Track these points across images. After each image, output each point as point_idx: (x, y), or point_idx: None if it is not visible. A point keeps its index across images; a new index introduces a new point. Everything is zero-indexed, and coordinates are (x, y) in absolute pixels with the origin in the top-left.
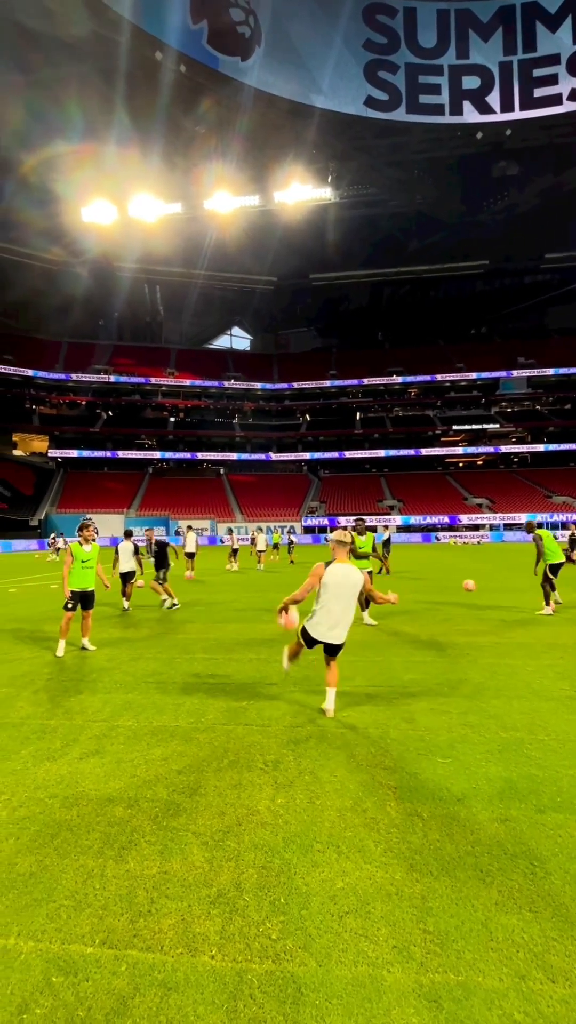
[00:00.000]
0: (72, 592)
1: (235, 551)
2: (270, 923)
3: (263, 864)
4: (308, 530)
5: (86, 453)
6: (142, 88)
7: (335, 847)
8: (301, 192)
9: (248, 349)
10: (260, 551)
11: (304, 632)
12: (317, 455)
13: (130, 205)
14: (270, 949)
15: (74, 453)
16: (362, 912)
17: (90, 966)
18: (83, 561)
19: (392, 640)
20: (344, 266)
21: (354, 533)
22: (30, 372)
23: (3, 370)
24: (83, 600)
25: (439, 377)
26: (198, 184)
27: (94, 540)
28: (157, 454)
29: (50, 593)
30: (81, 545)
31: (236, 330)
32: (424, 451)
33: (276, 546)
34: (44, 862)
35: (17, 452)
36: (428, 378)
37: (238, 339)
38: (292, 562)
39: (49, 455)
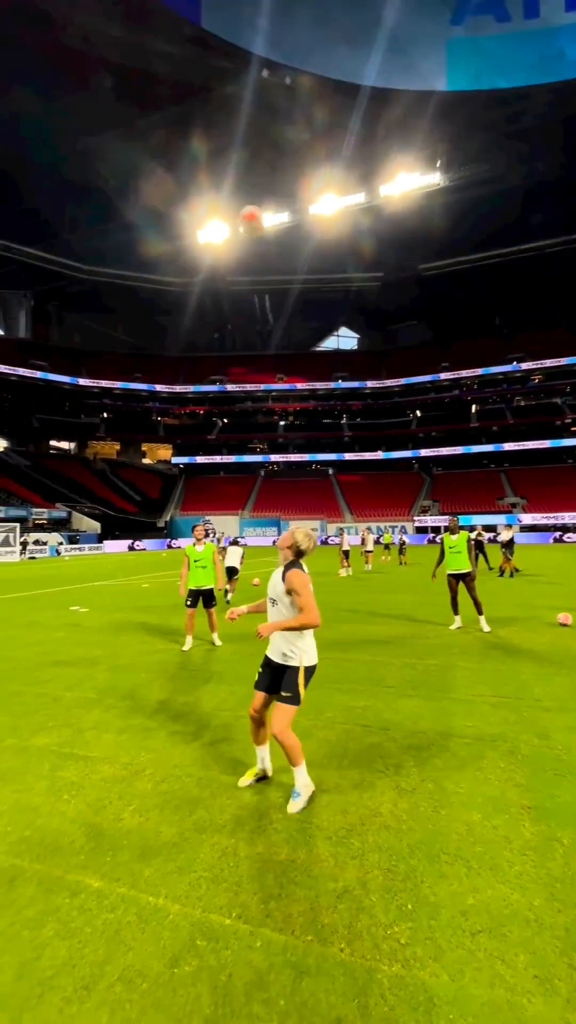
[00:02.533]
0: (189, 591)
1: (346, 553)
2: (398, 927)
3: (388, 867)
4: (420, 530)
5: (204, 459)
6: (258, 111)
7: (464, 861)
8: (408, 182)
9: (355, 348)
10: (368, 551)
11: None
12: (429, 452)
13: (239, 222)
14: (399, 953)
15: (193, 459)
16: (497, 934)
17: (229, 937)
18: (195, 560)
19: (519, 649)
20: (456, 252)
21: (446, 533)
22: (155, 387)
23: (134, 387)
24: (202, 598)
25: (568, 360)
26: (304, 191)
27: (204, 540)
28: (268, 457)
29: (176, 588)
30: (194, 546)
31: (343, 330)
32: (551, 443)
33: (387, 547)
34: (184, 834)
35: (146, 460)
36: (555, 362)
37: (345, 339)
38: (403, 563)
39: (172, 462)
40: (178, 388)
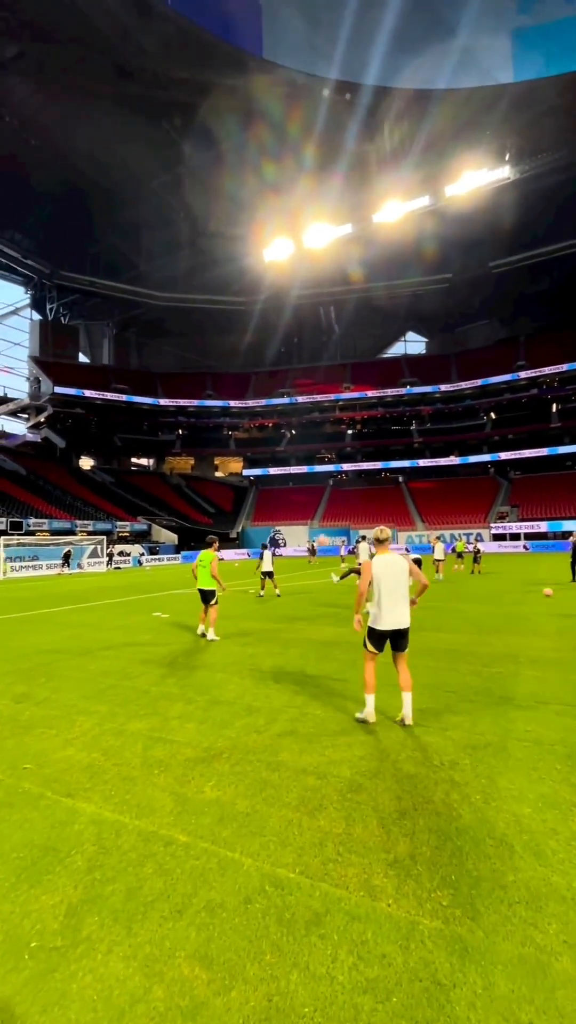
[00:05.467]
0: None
1: (417, 562)
2: (441, 892)
3: (436, 845)
4: (497, 537)
5: (273, 470)
6: (325, 130)
7: (508, 846)
8: (475, 179)
9: (423, 352)
10: (439, 560)
11: (371, 633)
12: (508, 455)
13: (304, 236)
14: (440, 912)
15: (264, 471)
16: (533, 906)
17: (292, 886)
18: (200, 564)
19: None
20: (529, 245)
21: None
22: (227, 403)
23: (206, 404)
24: (202, 595)
25: None
26: (367, 201)
27: (212, 550)
28: (338, 467)
29: (248, 597)
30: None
31: (410, 335)
32: None
33: (460, 555)
34: (256, 807)
35: (218, 474)
36: None
37: (412, 344)
38: (475, 572)
39: (243, 474)
40: (248, 402)
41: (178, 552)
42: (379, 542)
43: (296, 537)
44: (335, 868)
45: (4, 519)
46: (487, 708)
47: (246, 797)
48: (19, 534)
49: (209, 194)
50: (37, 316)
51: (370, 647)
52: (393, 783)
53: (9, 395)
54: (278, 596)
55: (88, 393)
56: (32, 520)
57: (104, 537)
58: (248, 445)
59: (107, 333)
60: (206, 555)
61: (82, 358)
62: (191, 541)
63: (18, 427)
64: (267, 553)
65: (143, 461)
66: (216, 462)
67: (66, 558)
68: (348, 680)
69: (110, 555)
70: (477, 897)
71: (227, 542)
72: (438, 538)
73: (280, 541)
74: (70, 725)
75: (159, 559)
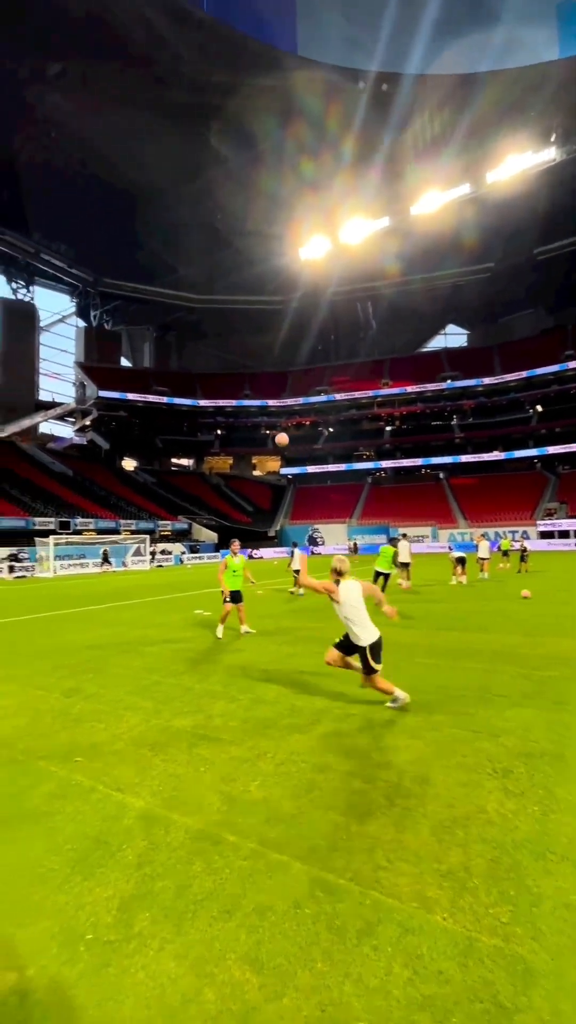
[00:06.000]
0: (229, 591)
1: (462, 560)
2: (499, 908)
3: (492, 858)
4: (545, 535)
5: (311, 469)
6: (361, 119)
7: (572, 862)
8: (518, 163)
9: (465, 345)
10: (483, 559)
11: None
12: (557, 449)
13: (340, 233)
14: (499, 930)
15: (303, 470)
16: None
17: (343, 893)
18: (233, 571)
19: None
20: None
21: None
22: (264, 402)
23: (245, 404)
24: (234, 597)
25: None
26: (405, 193)
27: (239, 554)
28: (377, 464)
29: (283, 596)
30: (232, 557)
31: (450, 327)
32: None
33: (506, 553)
34: (302, 808)
35: (256, 473)
36: None
37: (453, 336)
38: (522, 571)
39: (281, 473)
40: (286, 401)
41: (217, 550)
42: (339, 573)
43: (334, 536)
44: (386, 876)
45: (53, 519)
46: (540, 713)
47: (292, 798)
48: (67, 533)
49: (247, 194)
50: (82, 323)
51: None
52: (443, 790)
53: (57, 400)
54: (301, 594)
55: (130, 396)
56: (79, 519)
57: (147, 536)
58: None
59: (148, 337)
60: (238, 564)
61: (124, 362)
62: (230, 539)
63: (66, 430)
64: (297, 551)
65: (183, 461)
66: (254, 461)
67: (105, 556)
68: (391, 679)
69: (152, 553)
70: (539, 916)
71: (266, 540)
72: (483, 536)
73: (318, 540)
74: (118, 720)
75: (199, 557)
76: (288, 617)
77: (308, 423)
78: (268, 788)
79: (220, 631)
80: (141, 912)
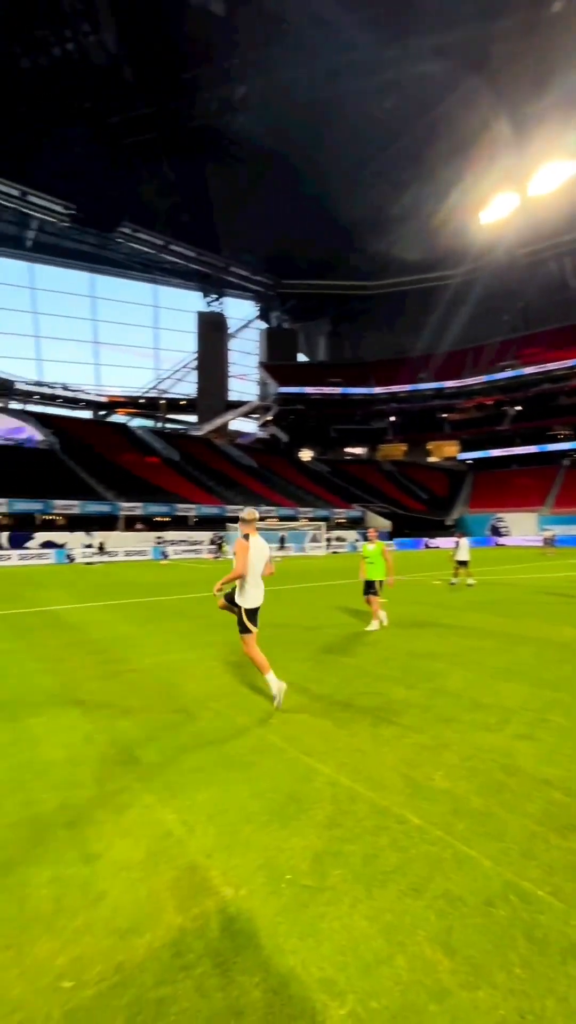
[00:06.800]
0: (365, 581)
1: None
2: None
3: None
4: None
5: (494, 452)
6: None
7: None
8: None
9: None
10: None
11: (249, 613)
12: None
13: (530, 184)
14: None
15: (481, 454)
16: None
17: (543, 906)
18: (365, 557)
19: None
20: None
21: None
22: (441, 384)
23: (420, 388)
24: (369, 586)
25: None
26: None
27: (376, 540)
28: (573, 444)
29: (460, 587)
30: (367, 545)
31: None
32: None
33: None
34: (491, 809)
35: (431, 459)
36: None
37: None
38: None
39: (459, 458)
40: (466, 381)
41: (391, 539)
42: (245, 523)
43: (521, 526)
44: None
45: (242, 507)
46: None
47: (480, 795)
48: None
49: (421, 168)
50: (264, 325)
51: (251, 626)
52: None
53: (244, 399)
54: (452, 583)
55: (307, 389)
56: (263, 507)
57: (323, 523)
58: (464, 427)
59: (322, 330)
60: (373, 551)
61: (301, 357)
62: (404, 528)
63: (251, 426)
64: (463, 541)
65: (356, 450)
66: (429, 447)
67: (282, 541)
68: None
69: (328, 540)
70: None
71: (442, 529)
72: None
73: (502, 530)
74: (301, 692)
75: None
76: (468, 610)
77: (490, 403)
78: (453, 780)
79: (374, 624)
80: (333, 868)
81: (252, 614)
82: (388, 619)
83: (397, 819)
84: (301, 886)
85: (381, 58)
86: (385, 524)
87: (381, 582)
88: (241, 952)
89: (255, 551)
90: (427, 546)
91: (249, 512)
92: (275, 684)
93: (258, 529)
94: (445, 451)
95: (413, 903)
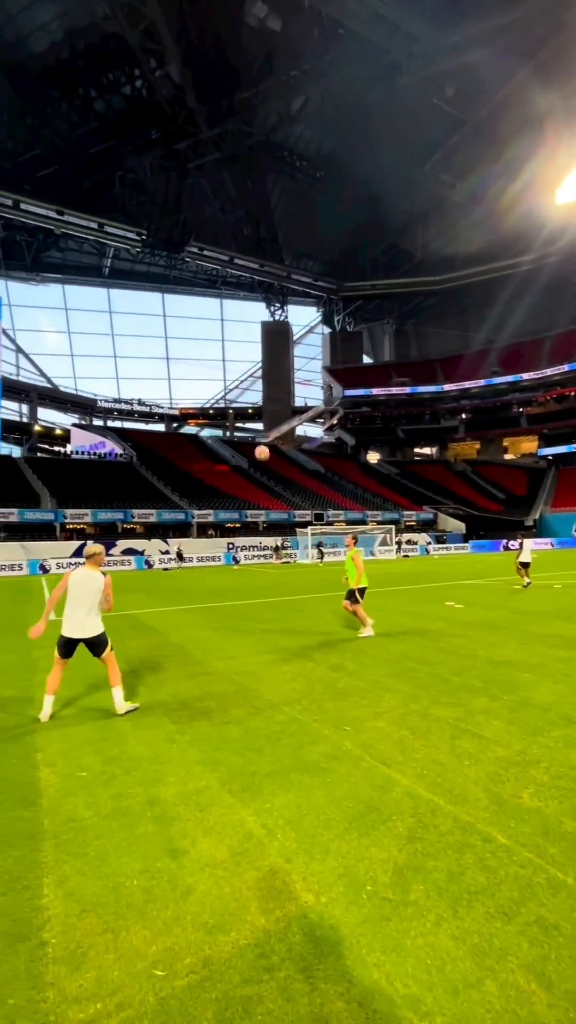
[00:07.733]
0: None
1: None
2: None
3: None
4: None
5: None
6: None
7: None
8: None
9: None
10: None
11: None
12: None
13: None
14: None
15: (564, 448)
16: None
17: None
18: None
19: None
20: None
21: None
22: (518, 377)
23: (493, 382)
24: (349, 594)
25: None
26: None
27: (353, 547)
28: None
29: (550, 590)
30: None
31: None
32: None
33: None
34: None
35: (507, 456)
36: None
37: None
38: None
39: (538, 454)
40: (546, 371)
41: (466, 541)
42: (88, 557)
43: None
44: None
45: (309, 511)
46: None
47: (574, 819)
48: (321, 524)
49: (487, 149)
50: (327, 330)
51: (57, 652)
52: None
53: (309, 404)
54: (525, 586)
55: (373, 391)
56: (330, 512)
57: (392, 526)
58: (543, 420)
59: (387, 330)
60: (347, 559)
61: (366, 359)
62: (480, 530)
63: (316, 431)
64: (527, 543)
65: (425, 450)
66: (504, 444)
67: (319, 547)
68: None
69: (398, 543)
70: None
71: (522, 530)
72: None
73: None
74: (378, 699)
75: (446, 548)
76: (556, 617)
77: (573, 394)
78: (543, 799)
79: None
80: (416, 883)
81: (63, 641)
82: (373, 629)
83: (483, 837)
84: (382, 898)
85: (442, 45)
86: (458, 526)
87: (363, 589)
88: (324, 960)
89: (75, 584)
90: (507, 548)
91: (88, 548)
92: (46, 711)
93: (330, 533)
94: (522, 447)
95: (503, 927)
